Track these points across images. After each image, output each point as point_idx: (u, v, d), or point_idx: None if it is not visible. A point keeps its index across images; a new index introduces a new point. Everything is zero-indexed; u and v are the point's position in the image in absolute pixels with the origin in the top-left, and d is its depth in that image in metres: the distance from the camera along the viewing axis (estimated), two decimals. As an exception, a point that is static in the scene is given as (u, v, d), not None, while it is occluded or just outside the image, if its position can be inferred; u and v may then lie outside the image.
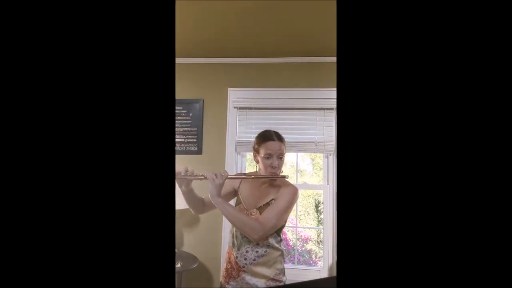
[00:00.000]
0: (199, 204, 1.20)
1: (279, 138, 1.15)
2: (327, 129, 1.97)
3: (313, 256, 3.36)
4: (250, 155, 2.09)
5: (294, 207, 1.19)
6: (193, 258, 1.82)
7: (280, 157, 1.14)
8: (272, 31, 1.67)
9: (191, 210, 1.20)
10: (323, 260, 1.97)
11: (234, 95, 2.04)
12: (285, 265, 1.20)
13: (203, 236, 1.97)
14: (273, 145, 1.12)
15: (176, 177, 1.08)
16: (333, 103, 1.94)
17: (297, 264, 2.33)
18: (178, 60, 2.06)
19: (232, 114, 2.03)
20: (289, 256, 2.88)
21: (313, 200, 3.72)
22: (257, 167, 1.20)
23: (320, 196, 3.39)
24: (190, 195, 1.15)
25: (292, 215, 1.18)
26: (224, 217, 1.93)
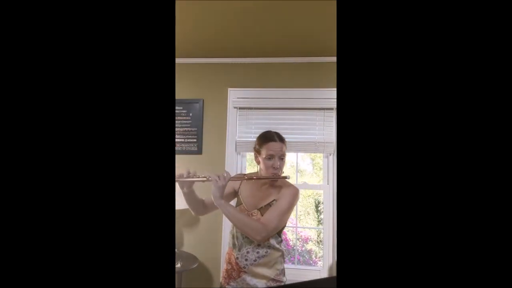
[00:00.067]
0: (200, 206, 1.20)
1: (281, 139, 1.15)
2: (327, 129, 1.97)
3: (313, 256, 3.36)
4: (250, 155, 2.10)
5: (295, 208, 1.20)
6: (193, 258, 1.82)
7: (282, 157, 1.14)
8: (272, 31, 1.67)
9: (191, 211, 1.20)
10: (323, 260, 1.97)
11: (234, 95, 2.04)
12: (285, 265, 1.20)
13: (203, 236, 1.97)
14: (274, 146, 1.12)
15: (178, 179, 1.08)
16: (333, 103, 1.94)
17: (297, 264, 2.33)
18: (178, 60, 2.06)
19: (232, 114, 2.03)
20: (289, 256, 2.88)
21: (313, 200, 3.72)
22: (258, 168, 1.20)
23: (320, 196, 3.39)
24: (191, 197, 1.15)
25: (292, 215, 1.18)
26: (224, 217, 1.93)
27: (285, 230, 1.26)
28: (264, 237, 1.06)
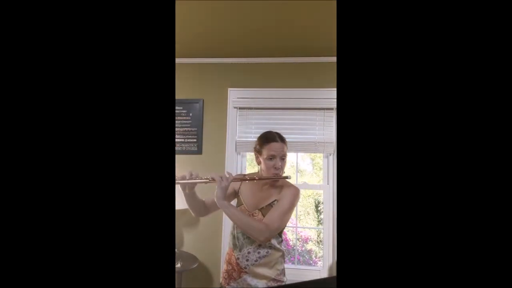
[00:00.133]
0: (200, 207, 1.20)
1: (282, 139, 1.16)
2: (327, 129, 1.97)
3: (313, 256, 3.36)
4: (250, 155, 2.10)
5: (295, 208, 1.20)
6: (193, 258, 1.82)
7: (283, 158, 1.14)
8: (272, 31, 1.66)
9: (192, 213, 1.20)
10: (323, 260, 1.97)
11: (234, 95, 2.04)
12: (285, 265, 1.20)
13: (203, 236, 1.97)
14: (276, 146, 1.12)
15: (181, 180, 1.08)
16: (333, 103, 1.93)
17: (297, 264, 2.33)
18: (178, 60, 2.06)
19: (232, 114, 2.03)
20: (289, 256, 2.88)
21: (313, 200, 3.72)
22: (259, 168, 1.20)
23: (320, 196, 3.39)
24: (192, 198, 1.15)
25: (292, 215, 1.18)
26: (224, 218, 1.93)
27: (285, 230, 1.27)
28: (267, 237, 1.07)
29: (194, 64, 2.09)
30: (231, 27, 1.64)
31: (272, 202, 1.14)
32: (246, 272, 1.13)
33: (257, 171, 1.26)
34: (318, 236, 3.40)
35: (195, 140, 2.04)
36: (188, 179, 1.08)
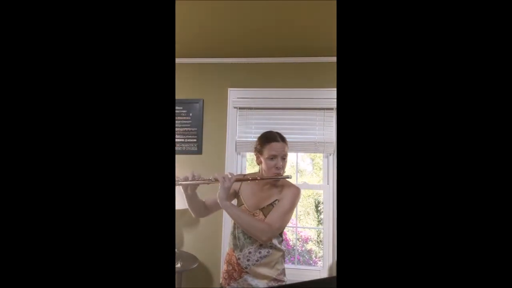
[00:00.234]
0: (201, 208, 1.20)
1: (283, 139, 1.16)
2: (327, 129, 1.97)
3: (313, 256, 3.37)
4: (250, 155, 2.10)
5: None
6: (193, 258, 1.82)
7: (284, 157, 1.15)
8: (272, 31, 1.66)
9: (192, 213, 1.20)
10: (323, 260, 1.97)
11: (234, 95, 2.04)
12: (285, 265, 1.21)
13: (203, 236, 1.97)
14: (277, 146, 1.13)
15: (184, 181, 1.08)
16: (333, 103, 1.94)
17: (297, 264, 2.33)
18: (178, 60, 2.06)
19: (232, 114, 2.03)
20: (289, 256, 2.88)
21: (313, 200, 3.72)
22: (259, 168, 1.20)
23: (320, 196, 3.39)
24: (193, 199, 1.15)
25: (292, 215, 1.19)
26: (224, 218, 1.93)
27: (285, 230, 1.27)
28: (269, 237, 1.08)
29: (194, 64, 2.09)
30: (231, 27, 1.64)
31: (273, 202, 1.15)
32: (247, 272, 1.13)
33: (257, 171, 1.26)
34: (318, 236, 3.40)
35: (195, 140, 2.04)
36: (190, 180, 1.08)
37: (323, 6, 1.40)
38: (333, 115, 1.97)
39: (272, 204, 1.14)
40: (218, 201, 1.07)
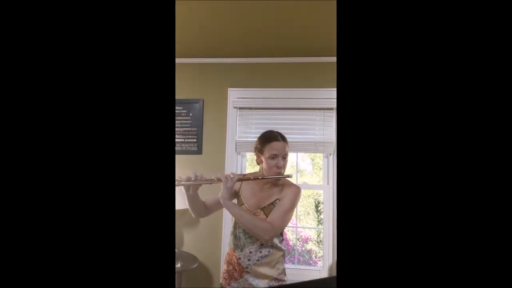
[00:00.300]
0: (201, 208, 1.21)
1: (283, 138, 1.17)
2: (327, 129, 1.97)
3: (313, 256, 3.37)
4: (250, 155, 2.10)
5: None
6: (193, 258, 1.82)
7: (285, 157, 1.15)
8: (272, 31, 1.66)
9: (192, 213, 1.21)
10: (323, 260, 1.97)
11: (234, 95, 2.04)
12: (285, 265, 1.21)
13: (203, 236, 1.97)
14: (278, 145, 1.13)
15: (187, 182, 1.09)
16: (333, 103, 1.93)
17: (297, 264, 2.33)
18: (178, 60, 2.06)
19: (232, 114, 2.03)
20: (289, 256, 2.88)
21: (313, 200, 3.72)
22: (260, 168, 1.21)
23: (320, 196, 3.39)
24: (194, 199, 1.16)
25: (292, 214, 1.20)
26: (224, 218, 1.93)
27: (285, 230, 1.27)
28: (271, 236, 1.09)
29: (194, 64, 2.09)
30: (231, 27, 1.64)
31: (274, 201, 1.15)
32: (247, 272, 1.13)
33: (257, 171, 1.26)
34: (318, 236, 3.40)
35: (195, 140, 2.04)
36: (193, 180, 1.08)
37: (323, 6, 1.40)
38: (333, 115, 1.97)
39: (273, 204, 1.15)
40: (221, 200, 1.07)
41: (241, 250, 1.14)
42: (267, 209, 1.14)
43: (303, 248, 3.39)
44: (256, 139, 1.21)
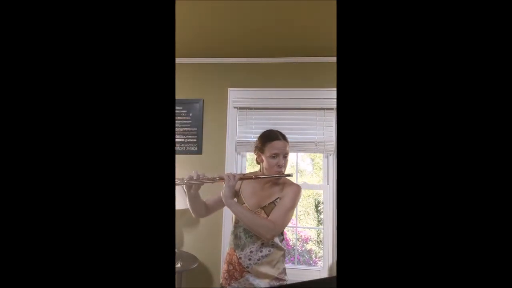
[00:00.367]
0: (202, 208, 1.21)
1: (284, 137, 1.18)
2: (327, 129, 1.97)
3: (313, 256, 3.37)
4: (250, 155, 2.09)
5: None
6: (193, 258, 1.82)
7: (285, 156, 1.16)
8: (272, 31, 1.66)
9: (192, 213, 1.21)
10: (323, 260, 1.97)
11: (234, 95, 2.04)
12: (285, 265, 1.21)
13: (203, 236, 1.97)
14: (279, 144, 1.14)
15: (189, 181, 1.09)
16: (333, 103, 1.93)
17: (297, 264, 2.33)
18: (178, 60, 2.06)
19: (232, 114, 2.03)
20: (289, 256, 2.88)
21: (313, 200, 3.72)
22: (260, 167, 1.21)
23: (320, 196, 3.39)
24: (195, 199, 1.16)
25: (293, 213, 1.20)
26: (224, 218, 1.93)
27: (285, 230, 1.27)
28: (273, 235, 1.09)
29: (194, 64, 2.09)
30: (231, 27, 1.64)
31: (274, 200, 1.15)
32: (248, 272, 1.13)
33: (256, 170, 1.26)
34: (318, 236, 3.40)
35: (195, 140, 2.04)
36: (195, 179, 1.09)
37: (323, 6, 1.40)
38: (333, 115, 1.97)
39: (273, 203, 1.15)
40: (223, 199, 1.08)
41: (242, 250, 1.14)
42: (267, 208, 1.14)
43: (303, 248, 3.39)
44: (256, 139, 1.21)
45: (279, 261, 1.16)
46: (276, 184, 1.19)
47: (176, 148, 2.03)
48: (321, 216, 2.69)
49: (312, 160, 3.78)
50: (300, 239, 3.33)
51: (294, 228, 2.36)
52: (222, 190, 1.09)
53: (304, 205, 3.71)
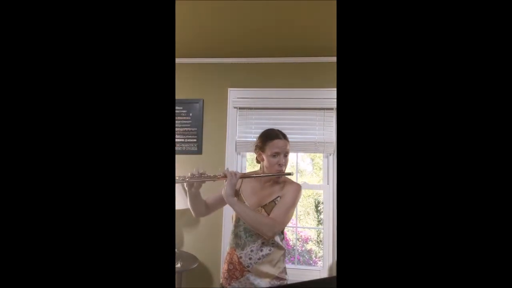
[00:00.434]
0: (202, 207, 1.21)
1: (284, 136, 1.18)
2: (327, 129, 1.97)
3: (313, 256, 3.37)
4: (250, 155, 2.10)
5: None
6: (193, 258, 1.82)
7: (286, 155, 1.16)
8: (272, 31, 1.66)
9: (192, 213, 1.21)
10: (323, 260, 1.97)
11: (234, 95, 2.04)
12: (285, 265, 1.21)
13: (203, 236, 1.97)
14: (279, 143, 1.14)
15: (190, 179, 1.09)
16: (333, 103, 1.93)
17: (297, 264, 2.33)
18: (178, 60, 2.06)
19: (232, 114, 2.03)
20: (289, 256, 2.88)
21: (313, 200, 3.72)
22: (260, 166, 1.21)
23: (320, 196, 3.39)
24: (196, 198, 1.16)
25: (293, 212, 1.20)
26: (224, 218, 1.93)
27: (285, 230, 1.27)
28: (275, 233, 1.09)
29: (194, 64, 2.09)
30: (231, 27, 1.64)
31: (275, 199, 1.16)
32: (249, 271, 1.13)
33: (256, 170, 1.26)
34: (318, 236, 3.40)
35: (195, 140, 2.04)
36: (196, 177, 1.08)
37: (323, 6, 1.40)
38: (333, 115, 1.97)
39: (274, 201, 1.15)
40: (224, 197, 1.08)
41: (242, 249, 1.14)
42: (268, 207, 1.14)
43: (303, 248, 3.40)
44: (256, 139, 1.22)
45: (279, 260, 1.16)
46: (276, 183, 1.19)
47: (176, 148, 2.03)
48: (321, 216, 2.69)
49: (312, 160, 3.78)
50: (300, 239, 3.33)
51: (294, 228, 2.36)
52: (223, 188, 1.09)
53: (304, 205, 3.71)
